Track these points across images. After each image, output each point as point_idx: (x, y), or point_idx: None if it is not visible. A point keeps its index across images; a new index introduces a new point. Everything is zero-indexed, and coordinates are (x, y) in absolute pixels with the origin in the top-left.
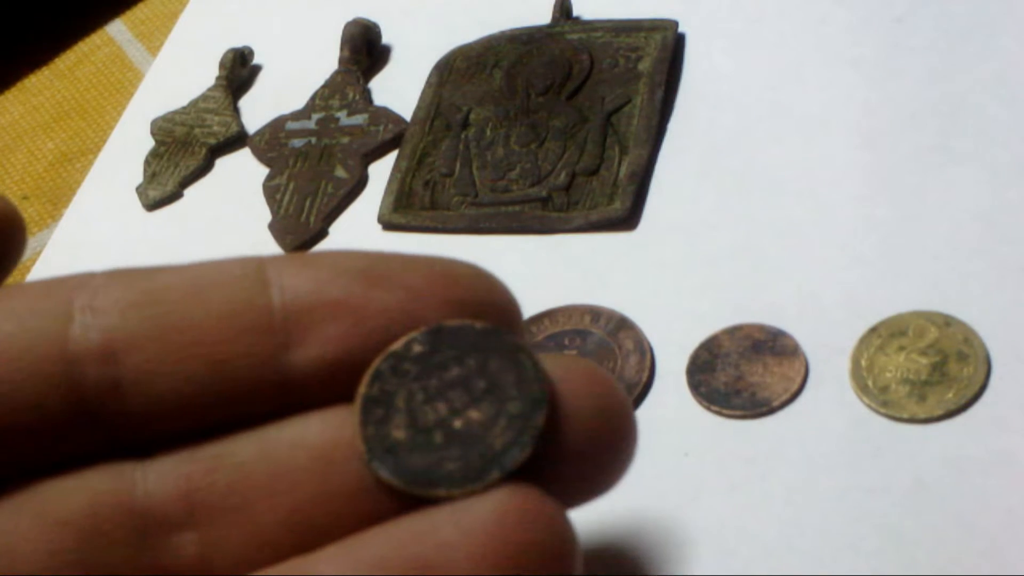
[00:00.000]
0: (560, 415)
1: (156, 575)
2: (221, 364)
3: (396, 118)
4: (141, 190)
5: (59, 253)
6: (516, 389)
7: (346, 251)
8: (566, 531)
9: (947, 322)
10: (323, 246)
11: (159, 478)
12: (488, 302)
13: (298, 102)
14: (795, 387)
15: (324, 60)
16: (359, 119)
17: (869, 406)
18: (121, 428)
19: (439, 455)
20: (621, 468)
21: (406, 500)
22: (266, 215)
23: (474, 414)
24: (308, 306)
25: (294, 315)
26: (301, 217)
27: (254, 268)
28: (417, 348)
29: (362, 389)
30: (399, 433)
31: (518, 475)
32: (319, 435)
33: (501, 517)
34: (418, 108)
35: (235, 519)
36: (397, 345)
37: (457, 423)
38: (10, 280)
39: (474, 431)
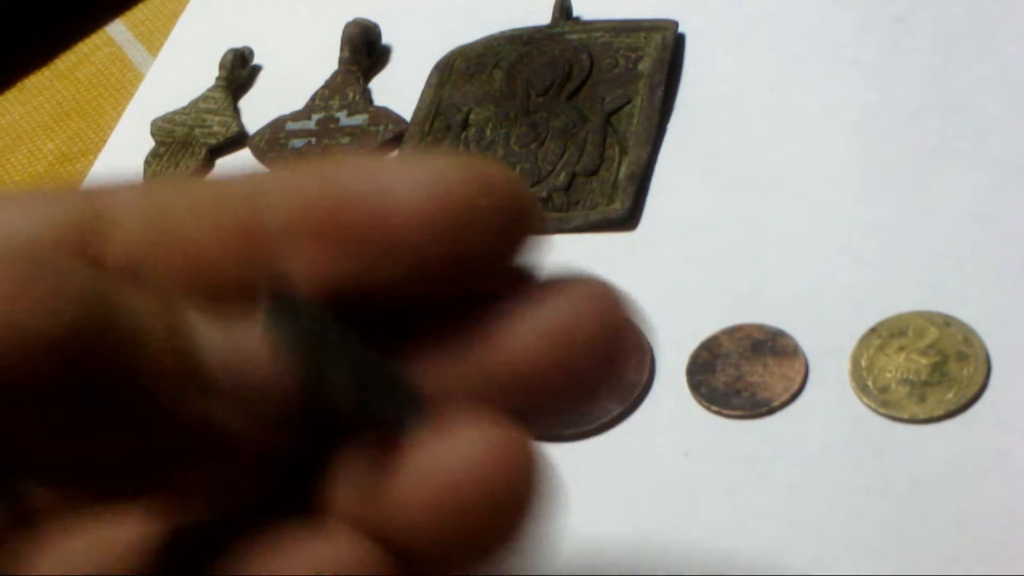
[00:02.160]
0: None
1: None
2: (217, 277)
3: (396, 118)
4: None
5: None
6: None
7: (328, 170)
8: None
9: (947, 322)
10: None
11: None
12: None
13: (298, 102)
14: (795, 387)
15: (324, 60)
16: (359, 119)
17: (869, 406)
18: None
19: None
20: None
21: None
22: None
23: None
24: (295, 227)
25: (283, 235)
26: None
27: (249, 189)
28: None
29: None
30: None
31: None
32: None
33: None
34: (418, 108)
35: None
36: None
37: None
38: None
39: None
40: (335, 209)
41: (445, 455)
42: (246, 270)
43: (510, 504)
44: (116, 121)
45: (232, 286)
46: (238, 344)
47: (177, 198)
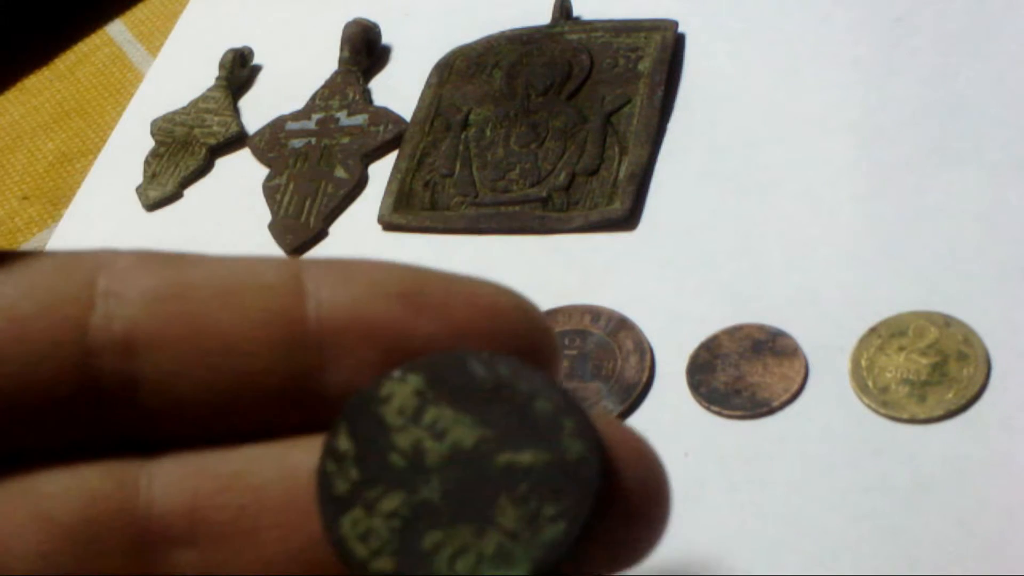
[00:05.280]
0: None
1: None
2: (247, 375)
3: (396, 118)
4: (141, 190)
5: None
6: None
7: (386, 265)
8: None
9: (947, 322)
10: (323, 246)
11: (165, 487)
12: (529, 338)
13: (298, 102)
14: (795, 387)
15: (324, 60)
16: (359, 119)
17: (869, 406)
18: (132, 425)
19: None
20: (655, 538)
21: None
22: (266, 215)
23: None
24: (345, 325)
25: (330, 333)
26: (301, 217)
27: (291, 274)
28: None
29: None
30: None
31: None
32: None
33: None
34: (418, 108)
35: (242, 544)
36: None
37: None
38: None
39: None
40: (395, 307)
41: None
42: (287, 362)
43: None
44: (116, 121)
45: (268, 375)
46: None
47: (194, 273)
